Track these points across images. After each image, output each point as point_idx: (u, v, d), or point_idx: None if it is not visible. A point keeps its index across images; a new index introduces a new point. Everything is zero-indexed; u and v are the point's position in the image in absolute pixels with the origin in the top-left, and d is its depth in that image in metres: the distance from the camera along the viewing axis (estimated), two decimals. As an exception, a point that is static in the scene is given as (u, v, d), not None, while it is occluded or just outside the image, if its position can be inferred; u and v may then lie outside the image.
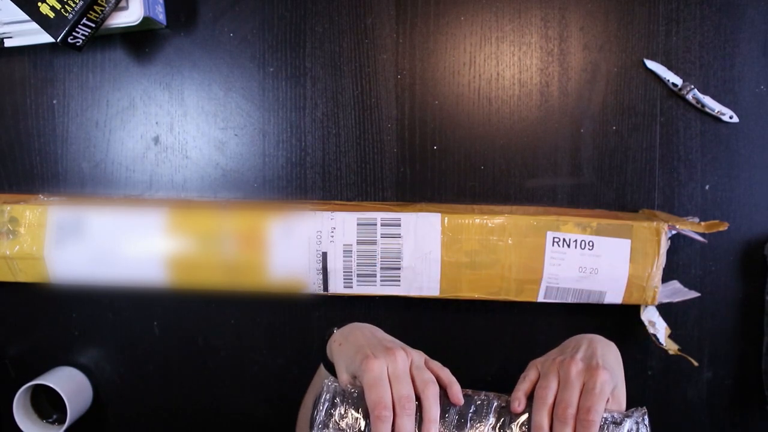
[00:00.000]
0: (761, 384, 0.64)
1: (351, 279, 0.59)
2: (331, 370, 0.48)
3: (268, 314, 0.67)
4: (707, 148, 0.63)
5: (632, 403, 0.61)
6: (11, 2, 0.56)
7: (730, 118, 0.62)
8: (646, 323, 0.59)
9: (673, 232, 0.58)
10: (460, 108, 0.64)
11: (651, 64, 0.62)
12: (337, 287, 0.59)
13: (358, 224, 0.58)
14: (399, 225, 0.58)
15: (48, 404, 0.67)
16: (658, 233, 0.57)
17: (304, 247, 0.58)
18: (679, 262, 0.64)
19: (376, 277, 0.59)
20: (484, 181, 0.64)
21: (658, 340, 0.59)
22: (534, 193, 0.64)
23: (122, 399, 0.69)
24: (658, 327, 0.60)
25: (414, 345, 0.61)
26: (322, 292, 0.59)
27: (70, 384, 0.65)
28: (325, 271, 0.59)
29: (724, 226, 0.58)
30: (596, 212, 0.62)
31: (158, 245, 0.59)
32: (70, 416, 0.63)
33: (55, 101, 0.66)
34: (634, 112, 0.63)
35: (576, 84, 0.63)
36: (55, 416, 0.67)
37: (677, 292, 0.61)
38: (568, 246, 0.57)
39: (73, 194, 0.66)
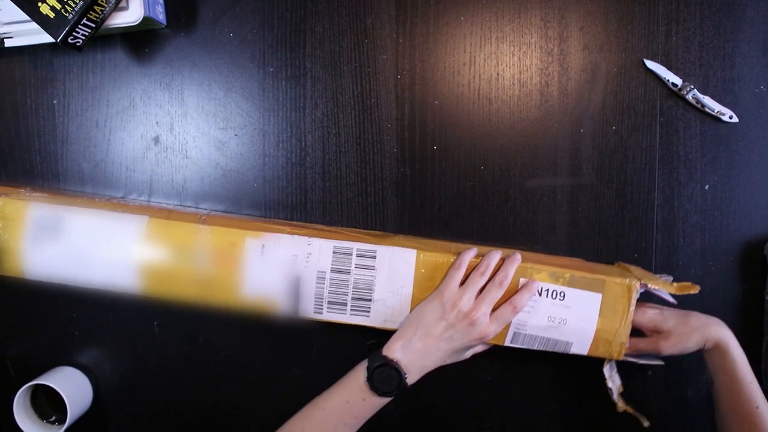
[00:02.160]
0: (761, 384, 0.64)
1: (321, 305, 0.59)
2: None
3: (267, 314, 0.67)
4: (707, 148, 0.63)
5: (633, 402, 0.61)
6: (11, 2, 0.56)
7: (730, 118, 0.62)
8: (606, 376, 0.60)
9: (644, 290, 0.58)
10: (460, 108, 0.64)
11: (651, 64, 0.62)
12: (307, 311, 0.59)
13: (333, 252, 0.58)
14: (374, 257, 0.58)
15: (48, 404, 0.67)
16: (630, 291, 0.57)
17: (279, 269, 0.58)
18: (679, 262, 0.64)
19: (346, 306, 0.59)
20: (484, 181, 0.64)
21: (612, 394, 0.60)
22: (534, 193, 0.64)
23: (122, 399, 0.69)
24: (615, 382, 0.60)
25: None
26: (291, 315, 0.59)
27: (70, 384, 0.65)
28: (296, 294, 0.59)
29: (695, 289, 0.58)
30: (573, 261, 0.62)
31: (134, 252, 0.59)
32: (70, 416, 0.63)
33: (55, 101, 0.66)
34: (634, 112, 0.63)
35: (576, 84, 0.63)
36: (55, 416, 0.67)
37: (645, 354, 0.61)
38: (540, 294, 0.57)
39: (56, 191, 0.66)
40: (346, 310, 0.59)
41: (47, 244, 0.60)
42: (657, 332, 0.58)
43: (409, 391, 0.55)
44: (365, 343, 0.61)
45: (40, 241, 0.60)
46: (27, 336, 0.69)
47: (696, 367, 0.65)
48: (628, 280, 0.57)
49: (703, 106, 0.62)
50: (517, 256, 0.57)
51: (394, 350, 0.55)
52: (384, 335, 0.58)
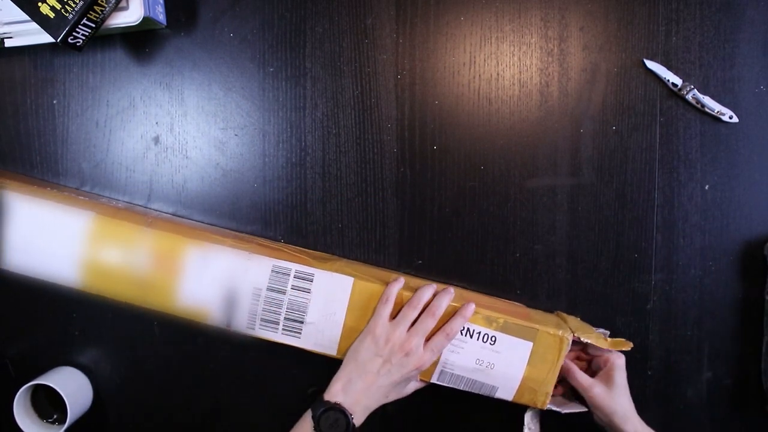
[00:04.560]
0: (761, 384, 0.64)
1: (254, 321, 0.59)
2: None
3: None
4: (707, 148, 0.63)
5: (635, 402, 0.61)
6: (11, 2, 0.56)
7: (730, 118, 0.62)
8: (525, 423, 0.60)
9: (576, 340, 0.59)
10: (460, 108, 0.64)
11: (651, 64, 0.62)
12: (240, 326, 0.59)
13: (272, 271, 0.58)
14: (311, 280, 0.58)
15: (48, 404, 0.67)
16: (561, 343, 0.57)
17: (216, 280, 0.58)
18: (679, 262, 0.64)
19: (278, 325, 0.58)
20: (484, 181, 0.64)
21: None
22: (534, 193, 0.64)
23: (122, 399, 0.69)
24: (535, 429, 0.61)
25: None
26: (224, 327, 0.59)
27: (70, 384, 0.65)
28: (231, 307, 0.59)
29: (628, 346, 0.58)
30: (512, 307, 0.62)
31: (77, 247, 0.59)
32: (70, 416, 0.63)
33: (55, 101, 0.66)
34: (634, 112, 0.63)
35: (576, 84, 0.63)
36: (55, 416, 0.67)
37: (569, 402, 0.61)
38: (471, 336, 0.57)
39: (12, 174, 0.66)
40: (278, 329, 0.59)
41: None
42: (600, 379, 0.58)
43: None
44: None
45: None
46: (27, 336, 0.69)
47: (696, 367, 0.65)
48: (561, 331, 0.57)
49: (703, 106, 0.62)
50: (450, 290, 0.58)
51: (335, 393, 0.55)
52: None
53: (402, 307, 0.57)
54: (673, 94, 0.62)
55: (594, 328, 0.62)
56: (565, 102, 0.63)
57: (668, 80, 0.62)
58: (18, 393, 0.64)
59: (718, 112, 0.61)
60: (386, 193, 0.65)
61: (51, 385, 0.63)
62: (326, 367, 0.58)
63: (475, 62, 0.63)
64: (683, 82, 0.61)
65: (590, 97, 0.63)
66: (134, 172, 0.66)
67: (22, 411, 0.65)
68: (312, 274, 0.58)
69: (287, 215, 0.65)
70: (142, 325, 0.68)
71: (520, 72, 0.63)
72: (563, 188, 0.64)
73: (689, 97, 0.61)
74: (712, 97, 0.62)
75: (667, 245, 0.64)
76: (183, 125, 0.66)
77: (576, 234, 0.64)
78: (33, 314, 0.68)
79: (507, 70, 0.63)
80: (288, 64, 0.64)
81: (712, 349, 0.64)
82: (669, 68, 0.62)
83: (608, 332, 0.62)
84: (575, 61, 0.63)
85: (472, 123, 0.64)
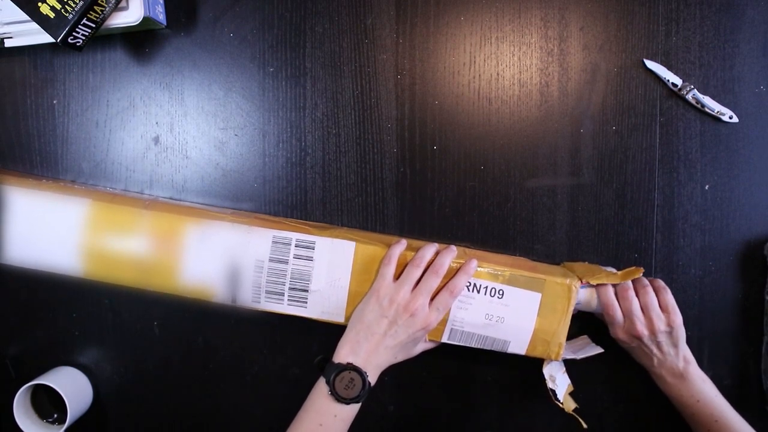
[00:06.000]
0: (761, 384, 0.64)
1: (259, 294, 0.58)
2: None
3: (268, 314, 0.67)
4: (707, 148, 0.63)
5: (636, 401, 0.61)
6: (11, 2, 0.56)
7: (730, 118, 0.62)
8: (547, 377, 0.59)
9: (585, 287, 0.58)
10: (460, 108, 0.64)
11: (651, 64, 0.62)
12: (245, 300, 0.59)
13: (273, 242, 0.58)
14: (313, 248, 0.57)
15: (48, 404, 0.67)
16: (570, 291, 0.56)
17: (217, 256, 0.58)
18: (679, 262, 0.64)
19: (284, 296, 0.58)
20: (484, 181, 0.64)
21: (555, 395, 0.59)
22: (534, 193, 0.64)
23: (122, 399, 0.69)
24: (559, 383, 0.59)
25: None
26: (230, 303, 0.59)
27: (70, 384, 0.65)
28: (234, 282, 0.58)
29: (639, 272, 0.58)
30: (516, 261, 0.61)
31: (76, 235, 0.59)
32: (70, 416, 0.63)
33: (55, 101, 0.66)
34: (634, 112, 0.63)
35: (576, 84, 0.63)
36: (55, 416, 0.67)
37: (584, 347, 0.60)
38: (478, 291, 0.57)
39: (7, 170, 0.66)
40: (283, 300, 0.58)
41: None
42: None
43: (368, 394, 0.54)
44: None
45: None
46: (27, 336, 0.69)
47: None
48: (568, 280, 0.57)
49: (703, 106, 0.62)
50: (453, 248, 0.57)
51: (344, 355, 0.55)
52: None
53: (405, 267, 0.56)
54: (673, 94, 0.62)
55: (603, 267, 0.61)
56: (565, 102, 0.63)
57: (668, 80, 0.62)
58: (18, 393, 0.64)
59: (718, 112, 0.61)
60: (386, 193, 0.65)
61: (51, 385, 0.63)
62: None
63: (475, 62, 0.63)
64: (683, 82, 0.61)
65: (590, 97, 0.63)
66: (134, 172, 0.66)
67: (22, 411, 0.65)
68: (313, 242, 0.58)
69: (287, 215, 0.65)
70: (142, 325, 0.68)
71: (520, 72, 0.63)
72: (563, 188, 0.64)
73: (689, 97, 0.62)
74: (712, 97, 0.62)
75: (667, 245, 0.64)
76: (183, 125, 0.66)
77: (576, 234, 0.64)
78: (33, 314, 0.68)
79: (507, 70, 0.63)
80: (288, 64, 0.64)
81: (712, 349, 0.64)
82: (669, 68, 0.62)
83: (615, 269, 0.61)
84: (575, 61, 0.63)
85: (472, 123, 0.64)
